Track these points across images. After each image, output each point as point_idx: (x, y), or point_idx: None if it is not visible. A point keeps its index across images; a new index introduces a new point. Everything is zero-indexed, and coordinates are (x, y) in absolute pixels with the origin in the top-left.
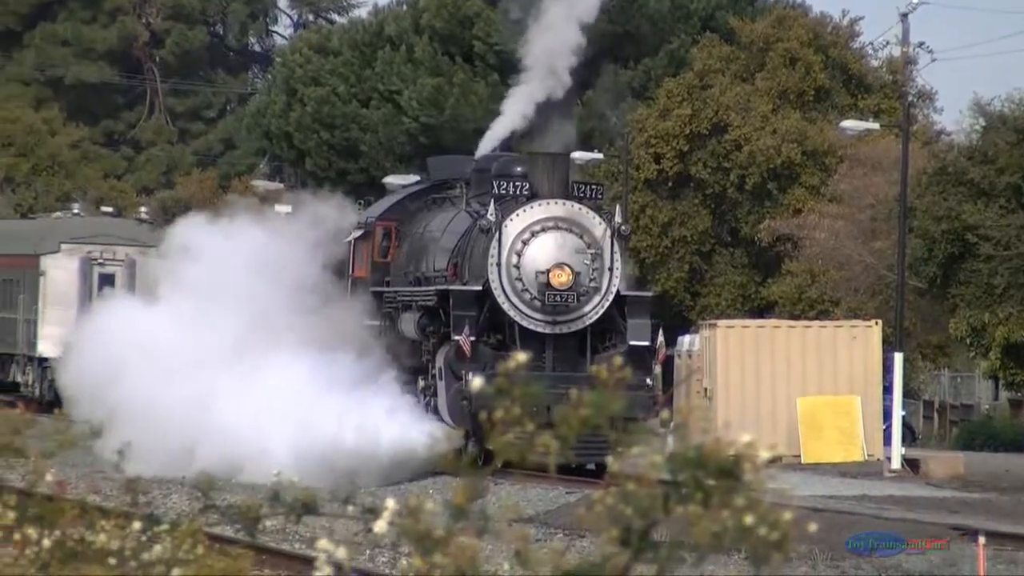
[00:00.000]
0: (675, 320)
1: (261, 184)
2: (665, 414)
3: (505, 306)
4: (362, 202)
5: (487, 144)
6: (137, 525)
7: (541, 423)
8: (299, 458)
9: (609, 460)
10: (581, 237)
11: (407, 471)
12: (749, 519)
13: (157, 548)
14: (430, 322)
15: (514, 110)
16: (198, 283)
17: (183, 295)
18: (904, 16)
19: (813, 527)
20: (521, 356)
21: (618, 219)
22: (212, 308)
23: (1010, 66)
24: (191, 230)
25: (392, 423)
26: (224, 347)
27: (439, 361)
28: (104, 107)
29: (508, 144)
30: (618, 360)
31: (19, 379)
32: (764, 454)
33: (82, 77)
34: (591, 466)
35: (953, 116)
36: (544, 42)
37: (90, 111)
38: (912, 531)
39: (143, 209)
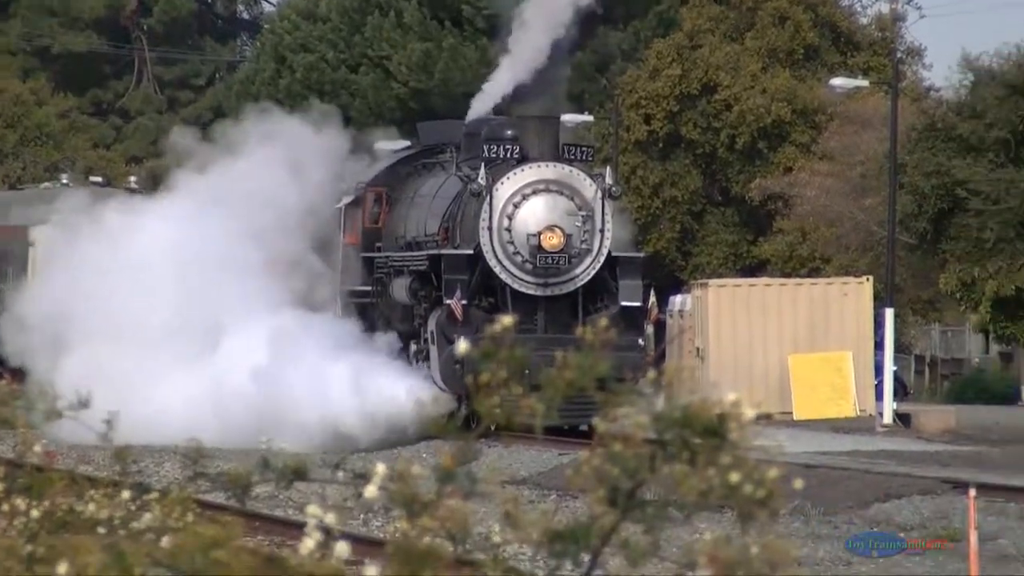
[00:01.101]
0: (667, 280)
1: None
2: (653, 374)
3: (496, 269)
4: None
5: (477, 108)
6: (126, 494)
7: (532, 386)
8: (293, 423)
9: (597, 421)
10: (572, 199)
11: (400, 435)
12: (735, 477)
13: (147, 516)
14: (422, 286)
15: (508, 70)
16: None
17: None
18: None
19: (800, 484)
20: (507, 319)
21: (609, 180)
22: (192, 263)
23: (999, 21)
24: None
25: (385, 387)
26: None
27: (431, 325)
28: (92, 77)
29: (499, 108)
30: (604, 321)
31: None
32: (750, 412)
33: (69, 47)
34: (585, 427)
35: (942, 72)
36: None
37: (78, 81)
38: (904, 485)
39: (132, 178)
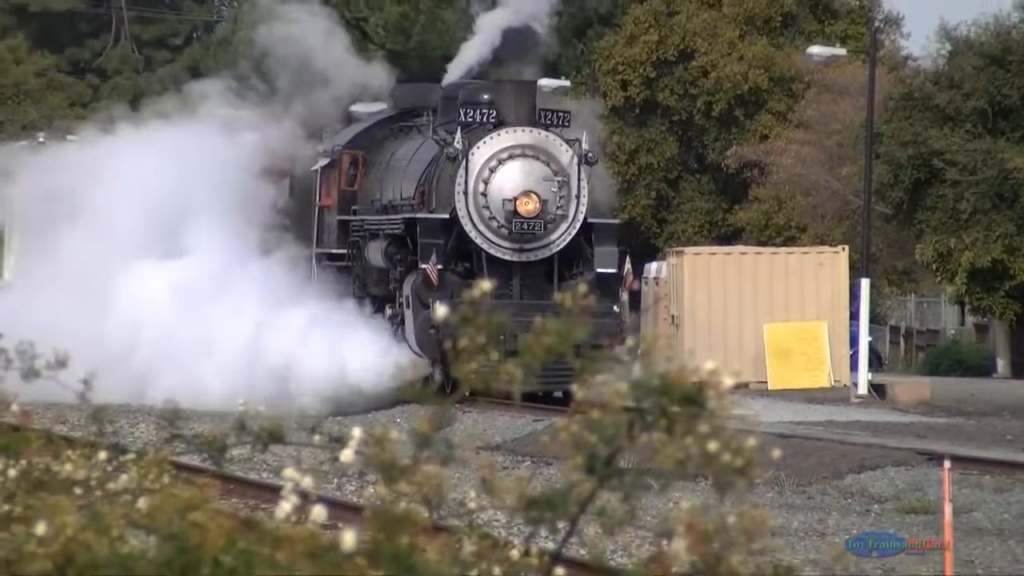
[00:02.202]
0: (642, 247)
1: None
2: (630, 341)
3: (472, 234)
4: (327, 130)
5: (454, 72)
6: (103, 455)
7: (508, 351)
8: (275, 389)
9: (574, 388)
10: (548, 164)
11: (376, 400)
12: (713, 446)
13: (123, 477)
14: (397, 250)
15: (486, 33)
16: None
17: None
18: None
19: (777, 453)
20: (485, 284)
21: (585, 146)
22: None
23: None
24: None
25: (362, 352)
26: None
27: (406, 289)
28: (70, 35)
29: (477, 72)
30: (583, 287)
31: None
32: (728, 380)
33: (47, 5)
34: (559, 394)
35: (920, 41)
36: None
37: (55, 39)
38: (879, 456)
39: None
